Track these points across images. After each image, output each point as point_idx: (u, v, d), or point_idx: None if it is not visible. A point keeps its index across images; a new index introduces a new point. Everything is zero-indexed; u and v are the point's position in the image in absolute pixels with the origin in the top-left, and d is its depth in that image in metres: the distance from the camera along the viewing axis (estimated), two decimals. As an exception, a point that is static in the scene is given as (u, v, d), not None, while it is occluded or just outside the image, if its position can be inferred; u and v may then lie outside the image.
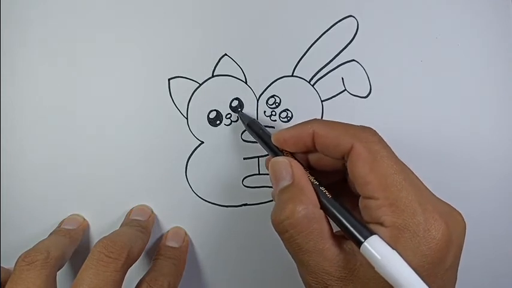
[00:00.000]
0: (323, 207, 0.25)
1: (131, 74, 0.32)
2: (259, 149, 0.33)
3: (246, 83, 0.33)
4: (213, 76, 0.32)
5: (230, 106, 0.33)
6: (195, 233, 0.34)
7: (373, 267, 0.21)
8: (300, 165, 0.27)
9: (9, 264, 0.29)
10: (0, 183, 0.32)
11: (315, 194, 0.25)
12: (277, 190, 0.26)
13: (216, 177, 0.33)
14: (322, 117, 0.33)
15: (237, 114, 0.33)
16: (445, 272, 0.23)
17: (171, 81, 0.32)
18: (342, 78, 0.33)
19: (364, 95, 0.33)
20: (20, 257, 0.27)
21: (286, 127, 0.28)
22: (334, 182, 0.28)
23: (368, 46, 0.33)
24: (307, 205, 0.24)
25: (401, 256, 0.21)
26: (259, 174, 0.33)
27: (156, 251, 0.32)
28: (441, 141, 0.34)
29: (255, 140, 0.32)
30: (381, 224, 0.23)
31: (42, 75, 0.31)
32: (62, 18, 0.31)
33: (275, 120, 0.33)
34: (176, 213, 0.34)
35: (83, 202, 0.33)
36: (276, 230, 0.25)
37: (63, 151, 0.32)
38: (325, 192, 0.25)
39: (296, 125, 0.28)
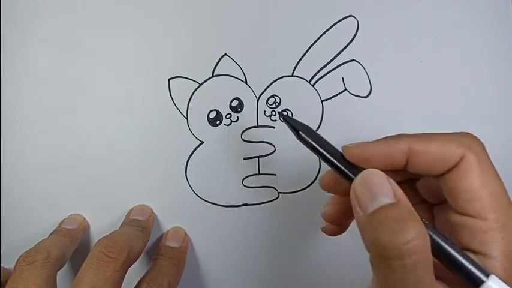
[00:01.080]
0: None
1: (131, 74, 0.32)
2: (259, 149, 0.33)
3: (246, 83, 0.33)
4: (213, 76, 0.32)
5: (230, 106, 0.33)
6: (195, 233, 0.34)
7: None
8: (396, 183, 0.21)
9: (9, 264, 0.30)
10: (0, 183, 0.32)
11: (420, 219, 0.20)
12: (374, 207, 0.21)
13: (216, 177, 0.33)
14: (322, 117, 0.33)
15: (237, 115, 0.33)
16: None
17: (171, 81, 0.32)
18: (342, 78, 0.33)
19: (364, 95, 0.33)
20: (20, 256, 0.27)
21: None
22: None
23: (368, 46, 0.33)
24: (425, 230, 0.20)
25: None
26: (259, 174, 0.33)
27: (156, 251, 0.32)
28: (441, 141, 0.34)
29: (255, 140, 0.32)
30: (483, 253, 0.21)
31: (42, 75, 0.31)
32: (62, 18, 0.31)
33: (275, 120, 0.33)
34: (176, 213, 0.34)
35: (83, 202, 0.33)
36: (386, 255, 0.19)
37: (63, 151, 0.32)
38: (424, 220, 0.21)
39: (380, 140, 0.23)
